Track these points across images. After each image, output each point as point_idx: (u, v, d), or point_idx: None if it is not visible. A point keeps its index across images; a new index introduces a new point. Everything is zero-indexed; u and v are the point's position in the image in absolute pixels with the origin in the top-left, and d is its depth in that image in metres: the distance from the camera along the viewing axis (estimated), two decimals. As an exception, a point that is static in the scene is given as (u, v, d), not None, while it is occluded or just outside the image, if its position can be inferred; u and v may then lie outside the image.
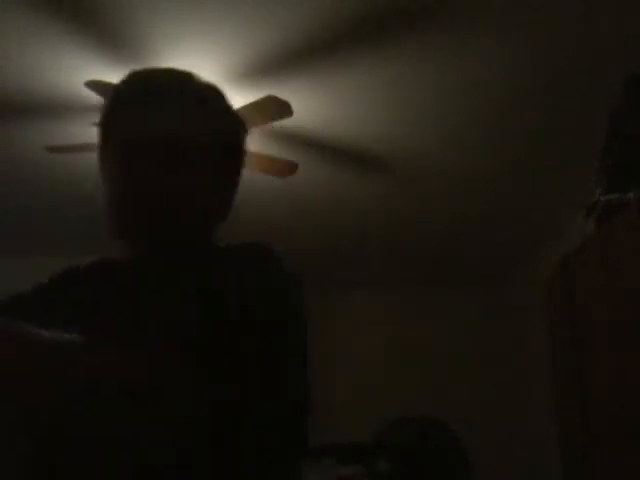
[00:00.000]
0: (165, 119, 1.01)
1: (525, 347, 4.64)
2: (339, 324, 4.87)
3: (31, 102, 2.84)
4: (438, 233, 4.29)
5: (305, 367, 0.96)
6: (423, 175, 3.58)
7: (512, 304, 4.86)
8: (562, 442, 2.46)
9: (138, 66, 2.74)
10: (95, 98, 2.59)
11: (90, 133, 2.13)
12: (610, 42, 2.54)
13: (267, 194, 3.68)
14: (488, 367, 4.81)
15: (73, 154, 2.93)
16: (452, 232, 4.27)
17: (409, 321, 4.99)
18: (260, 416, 0.88)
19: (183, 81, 1.06)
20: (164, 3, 2.36)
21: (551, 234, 4.10)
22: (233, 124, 1.10)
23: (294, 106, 2.75)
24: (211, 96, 1.08)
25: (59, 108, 2.85)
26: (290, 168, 3.16)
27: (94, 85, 2.53)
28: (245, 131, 1.13)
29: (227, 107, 1.10)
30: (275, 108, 2.75)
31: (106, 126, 1.05)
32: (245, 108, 2.77)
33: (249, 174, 3.60)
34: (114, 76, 2.62)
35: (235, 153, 1.10)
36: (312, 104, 2.95)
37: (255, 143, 3.18)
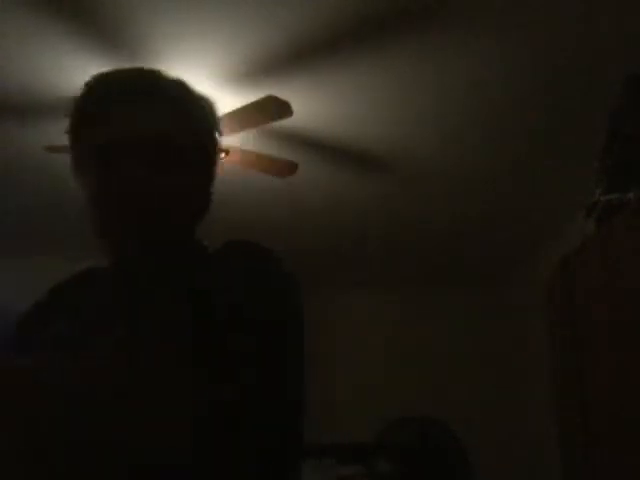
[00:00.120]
0: (138, 118, 1.00)
1: (525, 347, 4.64)
2: (339, 324, 4.87)
3: (31, 102, 2.84)
4: (438, 233, 4.29)
5: (303, 367, 0.96)
6: (423, 175, 3.58)
7: (512, 304, 4.86)
8: (562, 442, 2.46)
9: (138, 65, 2.74)
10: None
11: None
12: (610, 42, 2.54)
13: (267, 194, 3.68)
14: (488, 367, 4.82)
15: (73, 154, 2.93)
16: (452, 232, 4.27)
17: (409, 321, 4.99)
18: (259, 416, 0.88)
19: (153, 79, 1.05)
20: (164, 3, 2.36)
21: (551, 234, 4.10)
22: (205, 119, 1.09)
23: (294, 106, 2.75)
24: (182, 93, 1.07)
25: (59, 108, 2.86)
26: (290, 168, 3.16)
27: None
28: (218, 125, 1.13)
29: (199, 103, 1.09)
30: (275, 108, 2.75)
31: (79, 128, 1.04)
32: (245, 108, 2.77)
33: (249, 174, 3.62)
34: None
35: (210, 148, 1.09)
36: (312, 104, 2.95)
37: (255, 143, 3.19)
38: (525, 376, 4.61)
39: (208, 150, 1.09)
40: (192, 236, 1.09)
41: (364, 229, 4.20)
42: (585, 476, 2.19)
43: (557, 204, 3.79)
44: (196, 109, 1.08)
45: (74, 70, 2.66)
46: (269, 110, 2.76)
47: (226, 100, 2.90)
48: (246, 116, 2.79)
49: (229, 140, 3.07)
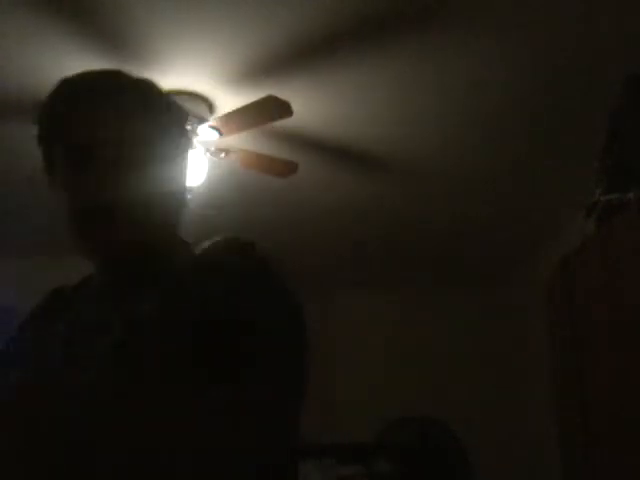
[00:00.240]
0: (104, 118, 1.00)
1: (525, 347, 4.64)
2: (339, 324, 4.87)
3: (31, 102, 2.84)
4: (438, 233, 4.29)
5: (304, 366, 0.96)
6: (423, 175, 3.58)
7: (512, 304, 4.86)
8: (562, 442, 2.46)
9: (138, 65, 2.75)
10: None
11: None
12: (610, 42, 2.54)
13: (267, 194, 3.68)
14: (488, 367, 4.82)
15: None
16: (452, 232, 4.27)
17: (409, 321, 4.99)
18: (259, 417, 0.88)
19: (117, 79, 1.05)
20: (164, 3, 2.36)
21: (551, 234, 4.10)
22: (172, 116, 1.09)
23: (294, 106, 2.75)
24: (148, 91, 1.07)
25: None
26: (290, 168, 3.16)
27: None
28: (186, 121, 1.13)
29: (165, 100, 1.09)
30: (275, 108, 2.75)
31: (47, 132, 1.04)
32: (245, 108, 2.77)
33: (249, 174, 3.62)
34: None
35: (179, 144, 1.09)
36: (312, 104, 2.95)
37: (255, 143, 3.19)
38: (525, 376, 4.61)
39: (177, 147, 1.08)
40: (174, 235, 1.08)
41: (364, 229, 4.20)
42: (585, 476, 2.19)
43: (557, 204, 3.79)
44: (162, 106, 1.07)
45: (74, 70, 2.65)
46: (269, 110, 2.75)
47: (226, 100, 2.91)
48: (246, 116, 2.79)
49: (229, 140, 3.07)
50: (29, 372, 0.97)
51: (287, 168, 3.16)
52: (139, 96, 1.04)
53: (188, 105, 2.89)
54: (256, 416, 0.87)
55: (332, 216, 4.03)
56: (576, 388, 2.26)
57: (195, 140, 2.95)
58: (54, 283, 1.17)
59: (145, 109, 1.04)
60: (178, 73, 2.74)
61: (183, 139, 1.11)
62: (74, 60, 2.60)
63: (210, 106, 2.95)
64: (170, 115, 1.08)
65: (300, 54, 2.63)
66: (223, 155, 3.07)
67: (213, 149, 3.04)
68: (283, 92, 2.76)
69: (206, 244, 1.04)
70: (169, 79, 2.77)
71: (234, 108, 2.81)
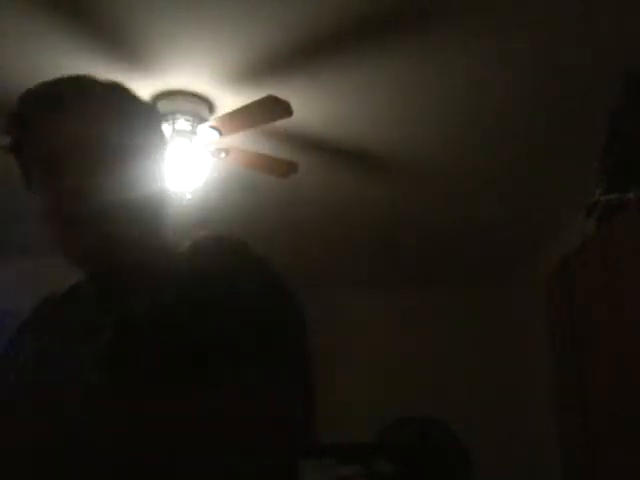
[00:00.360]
0: (71, 124, 1.00)
1: (525, 347, 4.64)
2: (339, 324, 4.86)
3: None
4: (438, 233, 4.29)
5: (306, 366, 0.95)
6: (423, 175, 3.58)
7: (512, 304, 4.86)
8: (562, 442, 2.46)
9: (137, 65, 2.75)
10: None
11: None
12: (610, 42, 2.54)
13: (267, 194, 3.68)
14: (488, 367, 4.81)
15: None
16: (452, 232, 4.27)
17: (409, 321, 4.99)
18: (260, 416, 0.88)
19: (82, 85, 1.05)
20: (163, 2, 2.36)
21: (551, 234, 4.10)
22: (142, 117, 1.08)
23: (294, 106, 2.75)
24: (115, 94, 1.06)
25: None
26: (290, 168, 3.16)
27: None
28: (160, 122, 1.12)
29: (134, 102, 1.08)
30: (275, 108, 2.75)
31: (18, 143, 1.04)
32: (245, 108, 2.77)
33: (249, 174, 3.61)
34: (113, 75, 2.62)
35: (151, 145, 1.08)
36: (312, 104, 2.95)
37: (255, 143, 3.19)
38: (525, 376, 4.61)
39: (151, 148, 1.08)
40: (157, 236, 1.07)
41: (364, 229, 4.19)
42: (585, 476, 2.19)
43: (557, 204, 3.79)
44: (132, 108, 1.07)
45: (73, 70, 2.65)
46: (269, 110, 2.75)
47: (226, 100, 2.90)
48: (246, 116, 2.79)
49: (229, 140, 3.07)
50: (28, 373, 0.97)
51: (287, 168, 3.16)
52: (107, 100, 1.04)
53: (188, 105, 2.89)
54: (257, 416, 0.87)
55: (332, 216, 4.02)
56: (576, 388, 2.26)
57: (195, 140, 2.95)
58: (53, 283, 1.17)
59: (114, 112, 1.03)
60: (178, 73, 2.74)
61: (157, 140, 1.10)
62: (73, 60, 2.60)
63: (210, 106, 2.95)
64: (142, 116, 1.08)
65: (300, 54, 2.63)
66: (223, 155, 3.07)
67: (213, 149, 3.04)
68: (283, 92, 2.76)
69: (194, 242, 1.03)
70: (169, 79, 2.77)
71: (234, 108, 2.81)
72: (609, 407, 2.04)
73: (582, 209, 2.23)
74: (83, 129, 1.00)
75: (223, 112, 2.93)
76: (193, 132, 2.93)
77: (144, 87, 2.80)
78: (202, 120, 2.92)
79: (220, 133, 2.92)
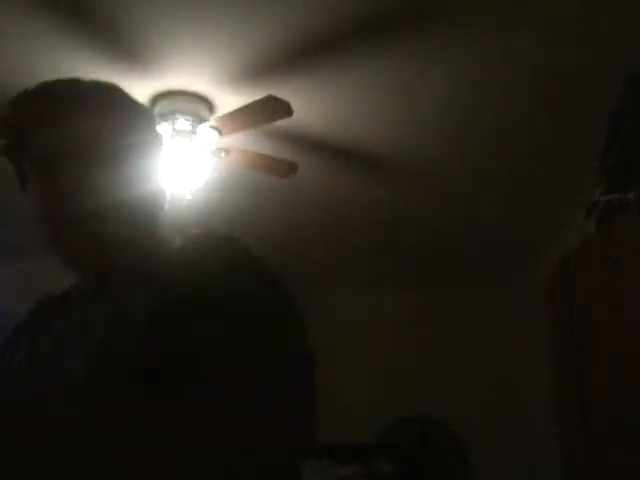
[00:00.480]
0: (66, 125, 1.00)
1: (525, 347, 4.64)
2: (339, 324, 4.87)
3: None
4: (438, 233, 4.29)
5: (306, 367, 0.95)
6: (423, 175, 3.58)
7: (512, 304, 4.86)
8: (562, 442, 2.46)
9: (137, 65, 2.75)
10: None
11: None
12: (610, 42, 2.54)
13: (267, 194, 3.68)
14: (488, 367, 4.81)
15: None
16: (452, 232, 4.27)
17: (409, 321, 4.99)
18: (261, 416, 0.88)
19: (76, 87, 1.05)
20: (163, 2, 2.36)
21: (551, 234, 4.10)
22: (136, 117, 1.08)
23: (294, 106, 2.75)
24: (108, 96, 1.06)
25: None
26: (290, 168, 3.16)
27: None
28: (154, 123, 1.12)
29: (128, 103, 1.08)
30: (275, 108, 2.75)
31: (12, 146, 1.04)
32: (245, 108, 2.77)
33: (249, 174, 3.61)
34: (113, 75, 2.62)
35: (146, 145, 1.08)
36: (312, 104, 2.95)
37: (255, 143, 3.19)
38: (525, 376, 4.61)
39: (146, 148, 1.08)
40: (153, 236, 1.07)
41: (364, 229, 4.20)
42: (585, 476, 2.19)
43: (557, 204, 3.79)
44: (125, 109, 1.07)
45: (73, 70, 2.66)
46: (269, 110, 2.75)
47: (226, 100, 2.90)
48: (246, 116, 2.79)
49: (229, 140, 3.07)
50: (25, 375, 0.97)
51: (287, 168, 3.16)
52: (101, 101, 1.04)
53: (188, 105, 2.89)
54: (257, 416, 0.87)
55: (332, 216, 4.02)
56: (576, 388, 2.26)
57: (195, 140, 2.95)
58: (48, 285, 1.18)
59: (108, 113, 1.03)
60: (178, 73, 2.74)
61: (152, 140, 1.10)
62: (73, 60, 2.60)
63: (210, 106, 2.95)
64: (136, 117, 1.08)
65: (300, 54, 2.63)
66: (223, 155, 3.07)
67: (213, 149, 3.04)
68: (283, 92, 2.76)
69: (191, 242, 1.03)
70: (169, 79, 2.77)
71: (234, 108, 2.81)
72: (609, 407, 2.04)
73: (582, 209, 2.23)
74: (78, 131, 1.00)
75: (223, 112, 2.93)
76: (193, 132, 2.93)
77: (144, 87, 2.80)
78: (202, 120, 2.92)
79: (220, 133, 2.92)
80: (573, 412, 2.29)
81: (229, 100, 2.90)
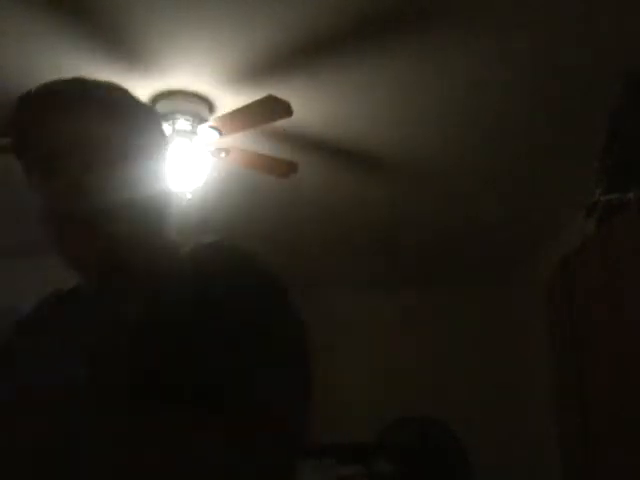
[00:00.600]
0: (72, 124, 1.00)
1: (525, 347, 4.64)
2: (339, 324, 4.87)
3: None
4: (438, 233, 4.29)
5: (305, 367, 0.95)
6: (423, 175, 3.58)
7: (512, 304, 4.87)
8: (562, 442, 2.46)
9: (137, 65, 2.75)
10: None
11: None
12: (610, 42, 2.54)
13: (267, 194, 3.68)
14: (488, 367, 4.82)
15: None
16: (452, 232, 4.27)
17: (409, 321, 4.99)
18: (261, 417, 0.88)
19: (83, 86, 1.05)
20: (163, 2, 2.36)
21: (551, 234, 4.10)
22: (141, 118, 1.08)
23: (294, 106, 2.75)
24: (114, 96, 1.06)
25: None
26: (290, 168, 3.16)
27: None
28: (159, 122, 1.12)
29: (133, 103, 1.08)
30: (275, 108, 2.74)
31: (19, 143, 1.05)
32: (245, 108, 2.77)
33: (249, 174, 3.61)
34: (113, 75, 2.62)
35: (152, 145, 1.08)
36: (312, 104, 2.95)
37: (255, 143, 3.19)
38: (525, 376, 4.61)
39: (151, 148, 1.08)
40: (159, 237, 1.07)
41: (364, 229, 4.20)
42: (585, 476, 2.19)
43: (557, 204, 3.79)
44: (129, 109, 1.07)
45: (73, 70, 2.66)
46: (269, 110, 2.75)
47: (226, 100, 2.90)
48: (246, 116, 2.79)
49: (229, 140, 3.07)
50: (27, 374, 0.97)
51: (287, 168, 3.16)
52: (106, 100, 1.04)
53: (188, 105, 2.89)
54: (257, 416, 0.87)
55: (332, 216, 4.02)
56: (576, 388, 2.26)
57: (195, 140, 2.95)
58: (53, 284, 1.17)
59: (113, 113, 1.03)
60: (178, 73, 2.74)
61: (157, 140, 1.10)
62: (73, 59, 2.60)
63: (210, 106, 2.95)
64: (141, 117, 1.08)
65: (300, 54, 2.63)
66: (223, 155, 3.07)
67: (213, 149, 3.04)
68: (283, 92, 2.76)
69: (196, 245, 1.03)
70: (169, 79, 2.77)
71: (234, 108, 2.81)
72: (609, 407, 2.04)
73: (582, 209, 2.24)
74: (83, 129, 1.00)
75: (223, 112, 2.93)
76: (193, 132, 2.93)
77: (144, 87, 2.80)
78: (202, 120, 2.92)
79: (220, 133, 2.92)
80: (573, 412, 2.29)
81: (229, 100, 2.90)
